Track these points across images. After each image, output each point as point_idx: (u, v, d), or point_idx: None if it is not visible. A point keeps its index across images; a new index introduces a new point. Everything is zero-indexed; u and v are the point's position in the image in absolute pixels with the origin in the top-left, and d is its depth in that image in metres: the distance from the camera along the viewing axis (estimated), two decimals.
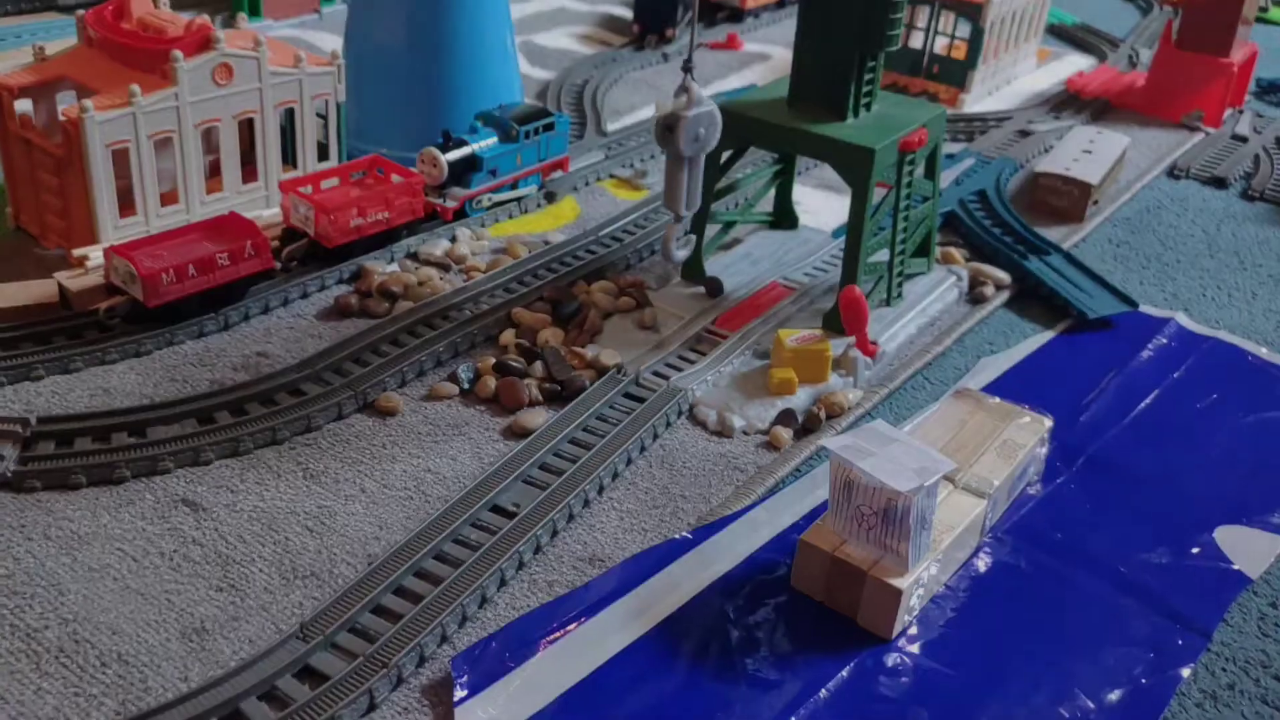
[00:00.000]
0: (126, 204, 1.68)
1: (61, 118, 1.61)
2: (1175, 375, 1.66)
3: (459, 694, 1.06)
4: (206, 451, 1.33)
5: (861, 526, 1.17)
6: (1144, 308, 1.83)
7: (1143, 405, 1.59)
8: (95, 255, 1.60)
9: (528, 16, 3.06)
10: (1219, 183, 2.34)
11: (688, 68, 1.45)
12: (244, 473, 1.32)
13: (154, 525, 1.23)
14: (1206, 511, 1.40)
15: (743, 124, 1.65)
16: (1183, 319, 1.81)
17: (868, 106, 1.65)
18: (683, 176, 1.50)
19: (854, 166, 1.57)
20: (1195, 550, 1.33)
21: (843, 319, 1.56)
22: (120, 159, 1.64)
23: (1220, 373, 1.68)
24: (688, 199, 1.53)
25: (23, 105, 1.72)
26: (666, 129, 1.45)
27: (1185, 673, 1.17)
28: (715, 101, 1.52)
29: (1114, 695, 1.14)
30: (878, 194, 1.63)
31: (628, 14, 3.03)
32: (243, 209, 1.73)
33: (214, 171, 1.80)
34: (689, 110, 1.45)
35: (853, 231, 1.61)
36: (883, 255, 1.70)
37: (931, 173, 1.75)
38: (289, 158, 1.89)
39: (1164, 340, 1.75)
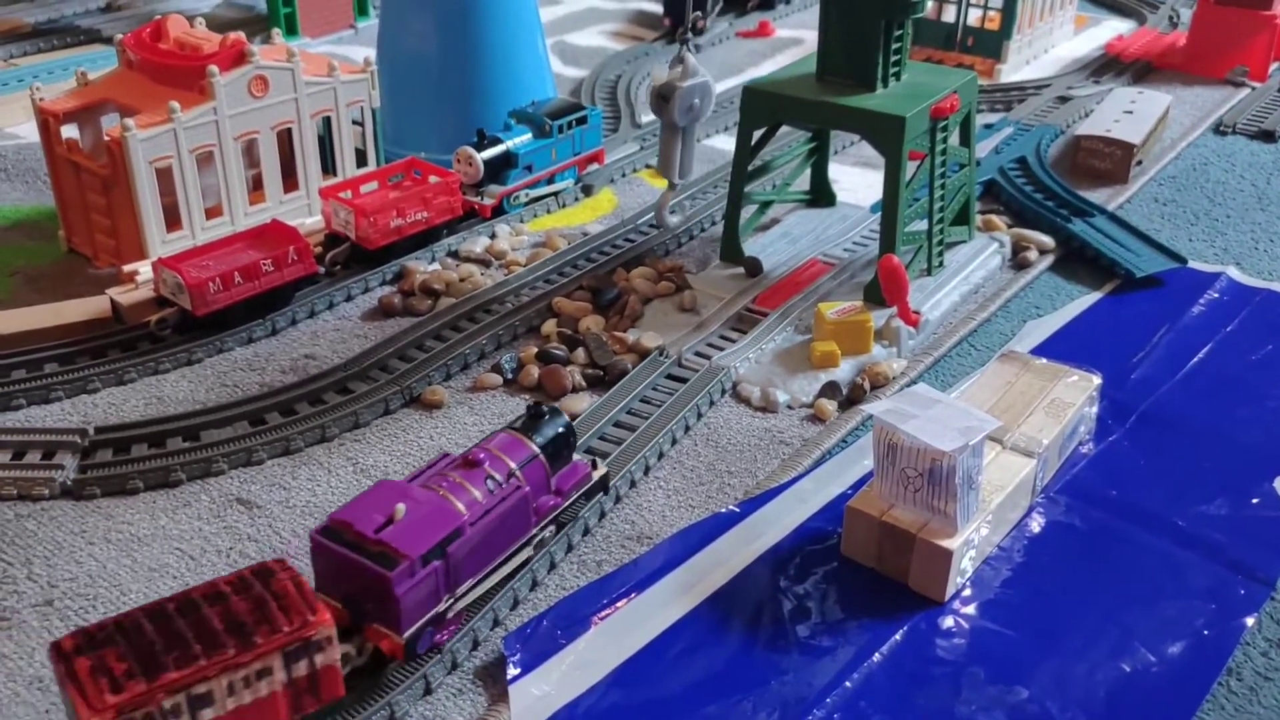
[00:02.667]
0: (173, 219, 1.72)
1: (105, 138, 1.65)
2: (1228, 329, 1.63)
3: (512, 672, 1.07)
4: (259, 451, 1.36)
5: (908, 489, 1.16)
6: (1193, 264, 1.80)
7: (1195, 360, 1.56)
8: (144, 270, 1.63)
9: (559, 18, 3.08)
10: (1267, 136, 2.29)
11: (684, 39, 1.47)
12: (295, 470, 1.34)
13: (210, 524, 1.26)
14: (1265, 461, 1.37)
15: (772, 101, 1.65)
16: (1234, 273, 1.78)
17: (897, 76, 1.64)
18: (676, 145, 1.52)
19: (885, 135, 1.56)
20: (1255, 501, 1.31)
21: (882, 289, 1.55)
22: (164, 175, 1.68)
23: (1274, 323, 1.65)
24: (681, 167, 1.55)
25: (69, 130, 1.77)
26: (661, 99, 1.48)
27: (1249, 621, 1.15)
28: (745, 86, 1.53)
29: (1175, 648, 1.12)
30: (912, 165, 1.62)
31: (658, 9, 3.04)
32: (285, 218, 1.76)
33: (256, 185, 1.83)
34: (684, 81, 1.46)
35: (888, 201, 1.60)
36: (921, 224, 1.69)
37: (966, 140, 1.73)
38: (328, 165, 1.91)
39: (1215, 295, 1.72)
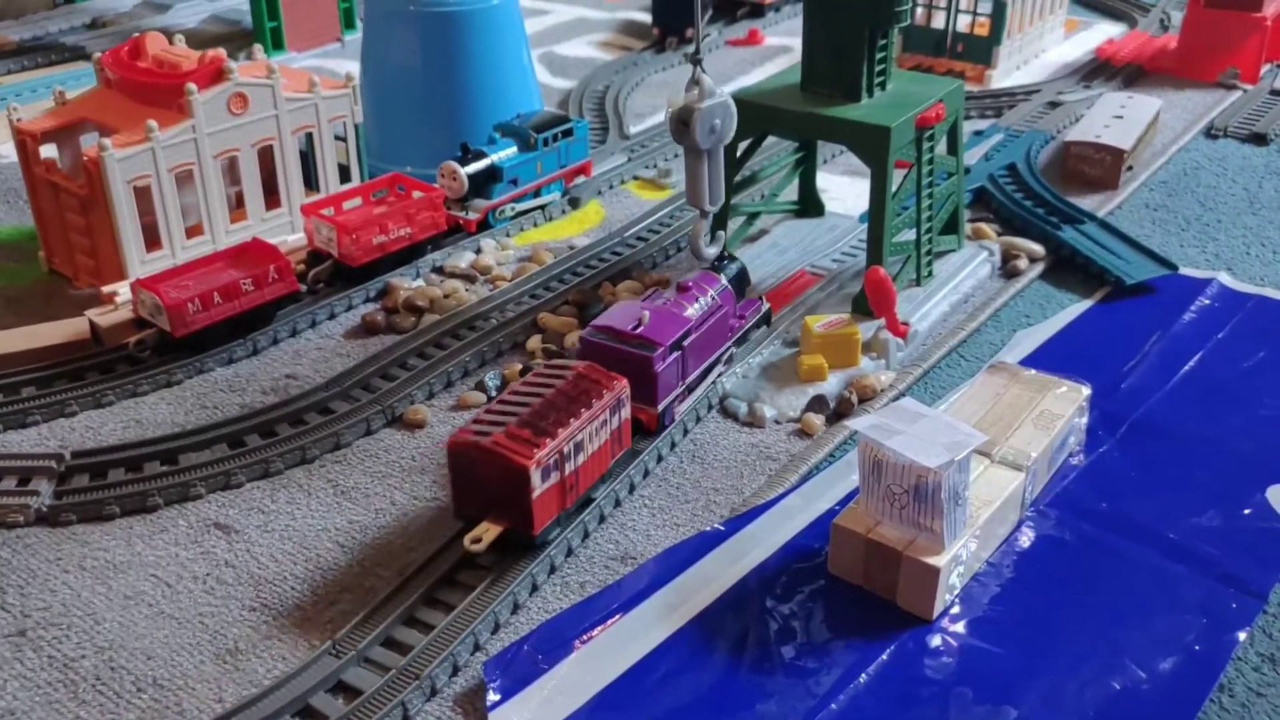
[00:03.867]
0: (153, 239, 1.70)
1: (83, 158, 1.64)
2: (1219, 335, 1.62)
3: (491, 698, 1.05)
4: (238, 475, 1.34)
5: (894, 506, 1.15)
6: (1185, 270, 1.78)
7: (1186, 368, 1.54)
8: (124, 291, 1.62)
9: (547, 28, 3.07)
10: (1259, 139, 2.28)
11: (697, 60, 1.43)
12: (275, 493, 1.33)
13: (187, 550, 1.24)
14: (1257, 471, 1.35)
15: (757, 112, 1.63)
16: (1225, 278, 1.76)
17: (882, 86, 1.62)
18: (703, 170, 1.47)
19: (870, 146, 1.54)
20: (1247, 511, 1.29)
21: (870, 301, 1.54)
22: (143, 195, 1.67)
23: (1266, 329, 1.63)
24: (711, 193, 1.50)
25: (48, 150, 1.75)
26: (681, 123, 1.43)
27: (1241, 636, 1.13)
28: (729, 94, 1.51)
29: (1167, 664, 1.10)
30: (899, 174, 1.60)
31: (647, 18, 3.03)
32: (268, 235, 1.75)
33: (239, 203, 1.82)
34: (702, 103, 1.42)
35: (875, 212, 1.58)
36: (909, 234, 1.67)
37: (953, 148, 1.72)
38: (311, 182, 1.90)
39: (1206, 301, 1.70)
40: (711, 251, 1.57)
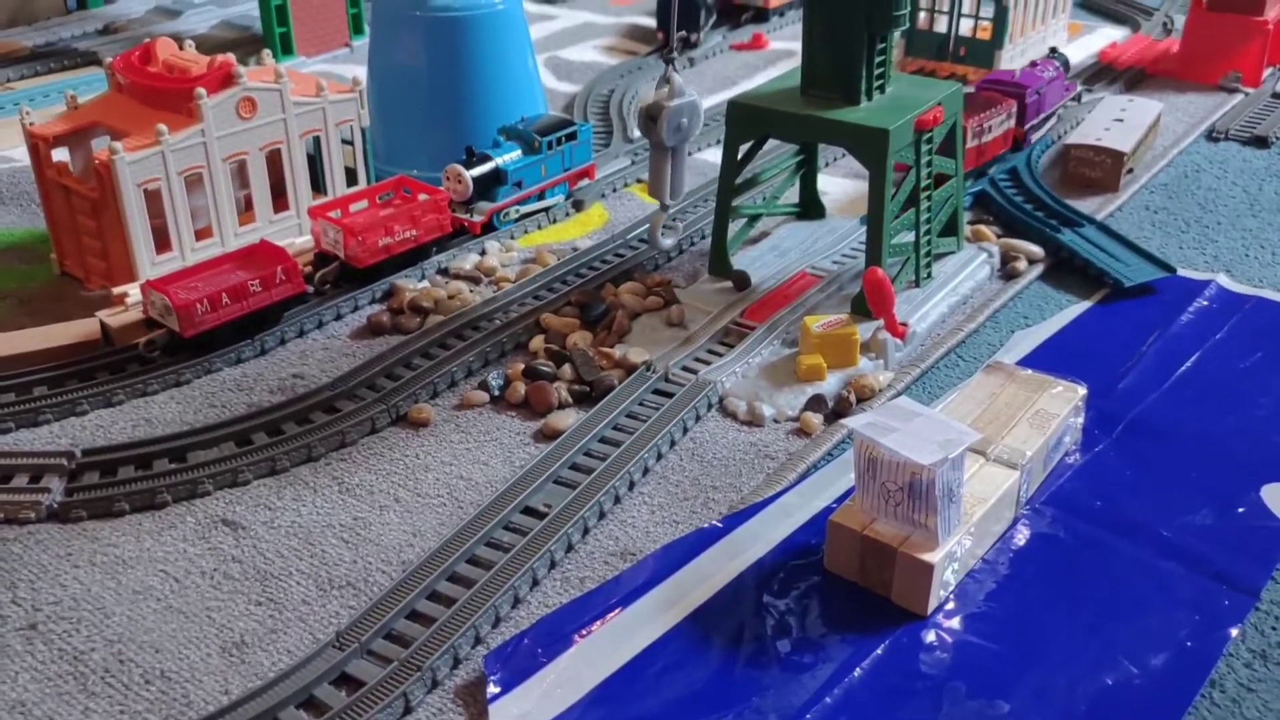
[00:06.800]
0: (163, 241, 1.73)
1: (94, 161, 1.66)
2: (1217, 336, 1.63)
3: (492, 691, 1.07)
4: (245, 472, 1.36)
5: (888, 503, 1.16)
6: (1183, 271, 1.80)
7: (1183, 368, 1.56)
8: (134, 292, 1.64)
9: (553, 34, 3.09)
10: (1260, 142, 2.29)
11: (669, 59, 1.47)
12: (281, 490, 1.35)
13: (195, 546, 1.26)
14: (1252, 470, 1.36)
15: (757, 115, 1.65)
16: (1224, 280, 1.78)
17: (881, 89, 1.64)
18: (666, 166, 1.52)
19: (868, 148, 1.56)
20: (1241, 510, 1.30)
21: (868, 301, 1.55)
22: (153, 197, 1.69)
23: (1264, 331, 1.64)
24: (672, 188, 1.55)
25: (59, 154, 1.78)
26: (649, 119, 1.48)
27: (1233, 632, 1.14)
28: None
29: (1158, 659, 1.11)
30: (899, 176, 1.62)
31: (651, 22, 3.05)
32: (276, 237, 1.77)
33: (247, 205, 1.84)
34: (671, 101, 1.46)
35: (873, 214, 1.60)
36: (908, 236, 1.69)
37: (952, 151, 1.73)
38: (319, 185, 1.92)
39: (1204, 302, 1.71)
40: (668, 243, 1.62)
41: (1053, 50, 2.39)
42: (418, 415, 1.46)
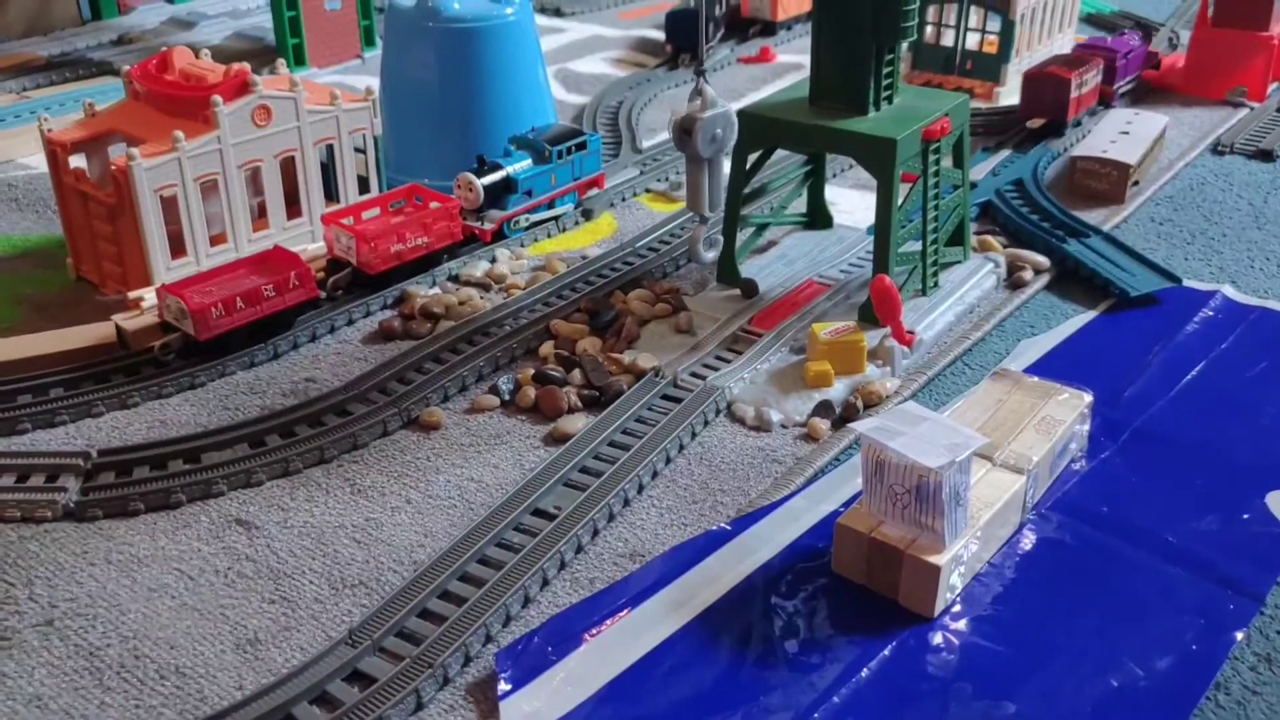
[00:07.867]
0: (178, 246, 1.75)
1: (111, 168, 1.68)
2: (1222, 346, 1.64)
3: (503, 688, 1.08)
4: (258, 473, 1.38)
5: (896, 506, 1.17)
6: (1188, 282, 1.81)
7: (1189, 377, 1.57)
8: (149, 297, 1.66)
9: (563, 45, 3.12)
10: (1266, 155, 2.31)
11: (700, 71, 1.48)
12: (294, 491, 1.36)
13: (209, 545, 1.28)
14: (1257, 478, 1.37)
15: (766, 125, 1.67)
16: (1229, 291, 1.79)
17: (889, 100, 1.66)
18: (703, 178, 1.52)
19: (876, 158, 1.58)
20: (1245, 516, 1.31)
21: (875, 309, 1.57)
22: (169, 203, 1.71)
23: (1268, 340, 1.65)
24: (710, 200, 1.55)
25: (76, 160, 1.80)
26: (684, 132, 1.48)
27: (1238, 636, 1.15)
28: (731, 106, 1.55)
29: (1164, 663, 1.12)
30: (906, 186, 1.64)
31: (661, 35, 3.07)
32: (289, 244, 1.79)
33: (261, 212, 1.86)
34: (704, 112, 1.47)
35: (881, 223, 1.61)
36: (915, 245, 1.70)
37: (959, 161, 1.75)
38: (332, 192, 1.94)
39: (1210, 313, 1.73)
40: (710, 256, 1.62)
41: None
42: (429, 418, 1.48)
